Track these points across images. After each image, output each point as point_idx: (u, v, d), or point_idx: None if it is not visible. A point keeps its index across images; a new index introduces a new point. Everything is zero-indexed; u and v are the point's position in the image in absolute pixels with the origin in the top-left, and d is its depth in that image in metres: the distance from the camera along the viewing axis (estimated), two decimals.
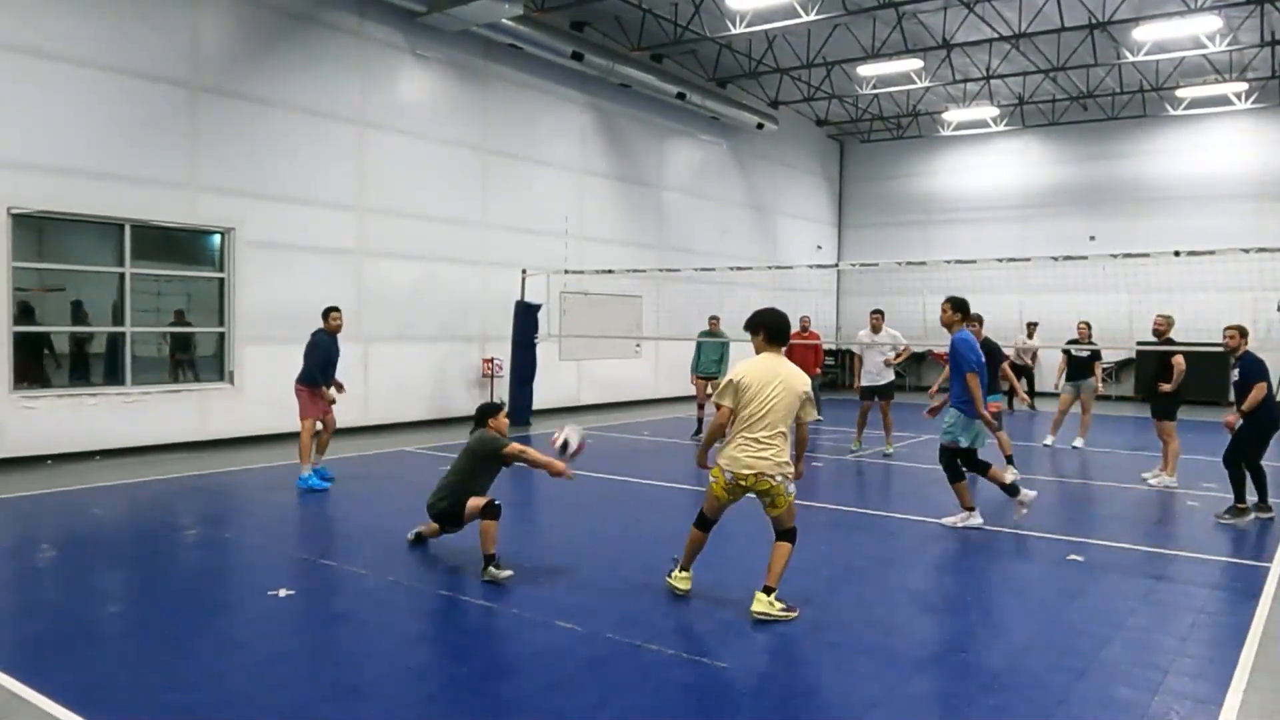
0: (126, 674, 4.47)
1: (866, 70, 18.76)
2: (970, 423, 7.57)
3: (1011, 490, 7.64)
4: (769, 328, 5.45)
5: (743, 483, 5.27)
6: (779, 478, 5.25)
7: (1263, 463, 8.12)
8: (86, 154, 10.51)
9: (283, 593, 5.65)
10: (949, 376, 7.86)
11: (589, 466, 10.68)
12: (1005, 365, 10.23)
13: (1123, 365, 21.15)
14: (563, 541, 7.62)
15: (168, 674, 4.42)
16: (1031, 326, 19.06)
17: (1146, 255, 11.80)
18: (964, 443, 7.61)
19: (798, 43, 18.10)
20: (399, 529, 7.75)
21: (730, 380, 5.34)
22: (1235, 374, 8.17)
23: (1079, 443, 12.84)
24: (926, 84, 19.85)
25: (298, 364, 9.34)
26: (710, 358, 13.77)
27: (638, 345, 18.48)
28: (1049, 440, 13.05)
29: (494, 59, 15.40)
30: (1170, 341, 10.06)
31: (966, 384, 7.45)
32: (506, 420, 6.69)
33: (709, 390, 13.66)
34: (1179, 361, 9.83)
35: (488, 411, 6.61)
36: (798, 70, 19.16)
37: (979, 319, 10.19)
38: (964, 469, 7.73)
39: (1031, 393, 18.19)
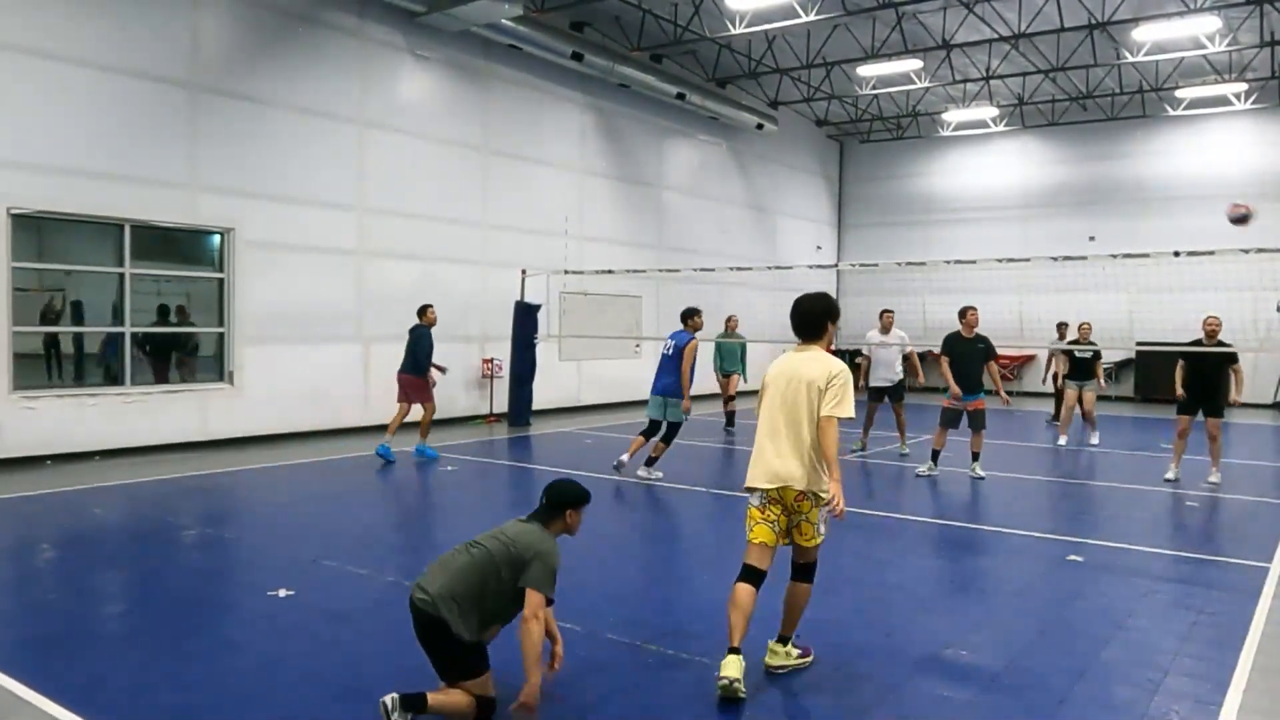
0: (126, 674, 4.47)
1: (866, 70, 18.76)
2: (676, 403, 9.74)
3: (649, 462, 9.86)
4: (791, 320, 4.74)
5: (772, 496, 4.38)
6: (808, 493, 4.33)
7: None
8: (86, 154, 10.50)
9: (283, 593, 5.65)
10: None
11: (590, 467, 10.69)
12: (993, 364, 10.38)
13: (1123, 365, 21.14)
14: (562, 541, 7.61)
15: (167, 674, 4.42)
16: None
17: (1146, 255, 11.83)
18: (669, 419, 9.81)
19: (797, 43, 18.10)
20: (399, 529, 7.76)
21: None
22: None
23: (1095, 439, 13.13)
24: (926, 84, 19.84)
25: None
26: (729, 356, 14.74)
27: (638, 345, 18.46)
28: (1061, 440, 13.29)
29: (494, 59, 15.40)
30: (1220, 343, 9.93)
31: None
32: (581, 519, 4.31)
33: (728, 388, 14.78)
34: (1241, 370, 9.88)
35: (573, 498, 4.24)
36: (797, 70, 19.15)
37: (969, 310, 10.40)
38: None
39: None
